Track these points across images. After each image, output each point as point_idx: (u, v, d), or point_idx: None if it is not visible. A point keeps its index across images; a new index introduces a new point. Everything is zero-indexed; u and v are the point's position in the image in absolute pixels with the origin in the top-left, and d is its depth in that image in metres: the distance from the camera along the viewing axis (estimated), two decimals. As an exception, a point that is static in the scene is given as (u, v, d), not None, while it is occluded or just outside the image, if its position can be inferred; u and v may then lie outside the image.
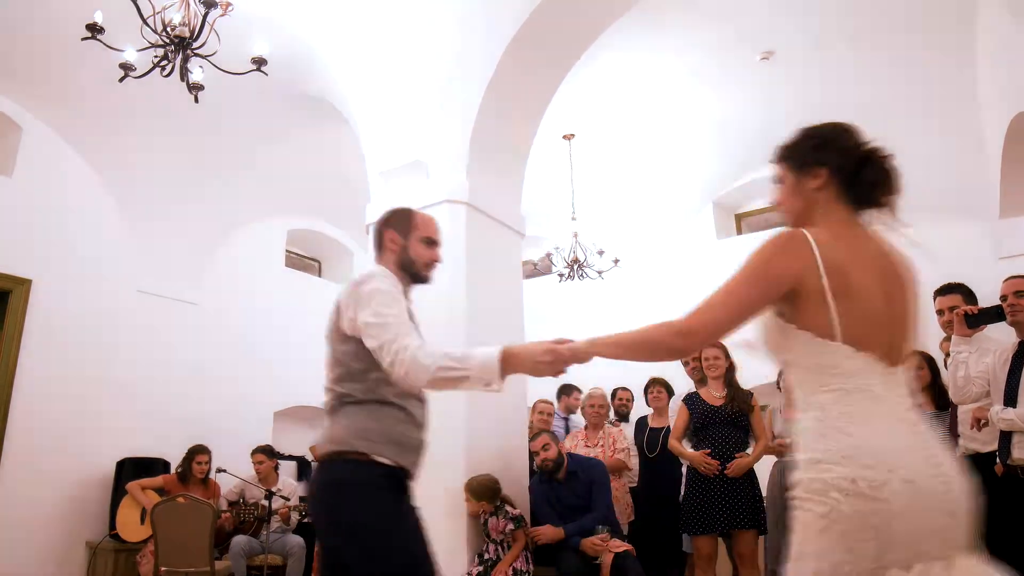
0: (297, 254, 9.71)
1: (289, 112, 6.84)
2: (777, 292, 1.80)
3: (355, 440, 2.47)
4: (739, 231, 9.23)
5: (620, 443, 5.94)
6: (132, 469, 6.93)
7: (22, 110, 6.90)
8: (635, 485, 6.04)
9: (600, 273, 7.50)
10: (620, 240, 8.08)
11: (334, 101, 6.07)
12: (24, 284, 6.76)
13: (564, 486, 4.95)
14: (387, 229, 2.81)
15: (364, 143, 5.70)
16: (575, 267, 7.37)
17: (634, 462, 6.12)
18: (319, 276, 9.85)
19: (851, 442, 1.67)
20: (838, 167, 1.92)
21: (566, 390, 7.00)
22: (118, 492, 6.80)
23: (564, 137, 7.50)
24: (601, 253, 7.34)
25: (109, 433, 7.11)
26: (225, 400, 8.04)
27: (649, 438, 6.03)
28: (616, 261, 7.45)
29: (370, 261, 2.93)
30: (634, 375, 6.79)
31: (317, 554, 5.01)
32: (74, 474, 6.90)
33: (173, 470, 6.90)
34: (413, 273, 2.77)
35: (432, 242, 2.81)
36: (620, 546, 4.68)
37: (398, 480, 2.53)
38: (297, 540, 6.38)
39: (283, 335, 8.57)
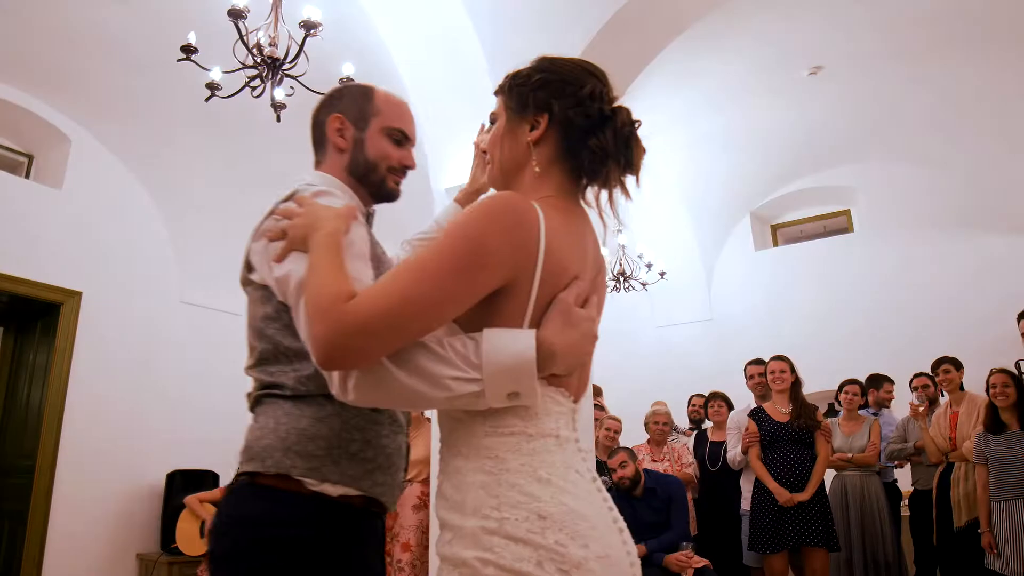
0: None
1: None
2: (488, 288, 1.28)
3: (280, 455, 1.56)
4: (775, 243, 9.27)
5: (686, 458, 5.95)
6: (182, 482, 6.93)
7: (71, 122, 6.90)
8: (696, 498, 6.04)
9: (644, 285, 7.52)
10: (661, 251, 8.12)
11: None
12: (75, 296, 6.76)
13: (641, 503, 4.96)
14: (332, 114, 1.82)
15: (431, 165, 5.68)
16: (621, 279, 7.39)
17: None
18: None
19: (536, 508, 1.25)
20: (563, 119, 1.43)
21: (875, 383, 6.41)
22: (168, 505, 6.80)
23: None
24: (649, 266, 7.36)
25: (158, 445, 7.09)
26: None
27: (710, 452, 6.03)
28: (662, 274, 7.47)
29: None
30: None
31: None
32: (124, 487, 6.89)
33: (222, 483, 6.90)
34: (374, 183, 1.82)
35: (402, 137, 1.84)
36: (700, 562, 4.70)
37: (352, 522, 1.60)
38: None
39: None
